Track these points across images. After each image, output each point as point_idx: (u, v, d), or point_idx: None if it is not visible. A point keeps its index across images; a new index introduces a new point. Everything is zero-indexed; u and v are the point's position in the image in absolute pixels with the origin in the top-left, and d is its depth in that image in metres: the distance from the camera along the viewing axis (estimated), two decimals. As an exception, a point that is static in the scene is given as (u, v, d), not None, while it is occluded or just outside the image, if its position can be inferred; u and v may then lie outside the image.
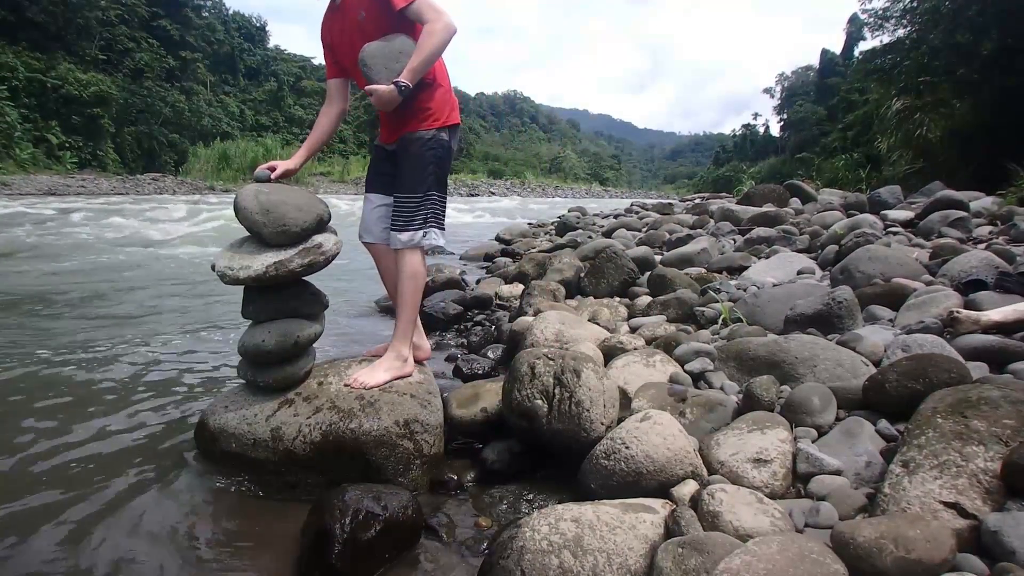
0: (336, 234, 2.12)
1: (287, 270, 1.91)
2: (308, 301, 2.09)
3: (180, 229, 10.10)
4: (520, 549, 1.33)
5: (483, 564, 1.42)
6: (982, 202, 5.41)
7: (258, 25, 56.87)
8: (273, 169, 2.15)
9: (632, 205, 13.06)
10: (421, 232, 2.18)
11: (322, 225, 2.06)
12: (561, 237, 7.25)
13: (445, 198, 2.28)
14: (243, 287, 2.00)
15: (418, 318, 2.40)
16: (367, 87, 2.06)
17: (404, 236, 2.17)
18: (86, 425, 2.31)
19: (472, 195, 37.91)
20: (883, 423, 1.68)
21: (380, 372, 2.11)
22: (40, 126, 29.17)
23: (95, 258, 6.88)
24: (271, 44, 58.32)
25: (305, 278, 2.07)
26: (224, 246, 2.04)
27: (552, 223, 10.12)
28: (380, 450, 1.88)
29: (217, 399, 2.09)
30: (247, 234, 2.02)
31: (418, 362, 2.33)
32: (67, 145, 30.39)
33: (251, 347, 1.96)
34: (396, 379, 2.13)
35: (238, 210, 1.94)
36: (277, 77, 51.91)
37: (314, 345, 2.13)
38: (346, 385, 2.06)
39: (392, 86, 2.03)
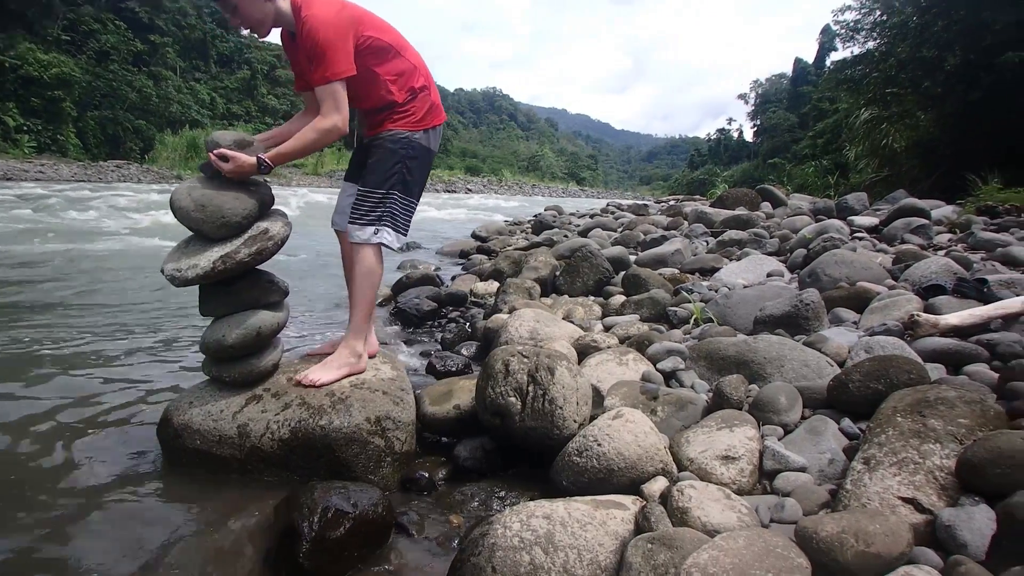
0: (285, 216, 2.05)
1: (235, 262, 1.85)
2: (266, 290, 2.02)
3: (148, 219, 9.82)
4: (491, 546, 1.33)
5: (454, 561, 1.41)
6: (943, 210, 5.61)
7: (231, 11, 55.57)
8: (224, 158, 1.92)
9: (608, 205, 13.16)
10: (372, 229, 2.13)
11: (265, 209, 1.99)
12: (537, 235, 7.27)
13: (411, 200, 2.21)
14: (198, 286, 1.94)
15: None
16: (226, 152, 1.88)
17: (357, 231, 2.13)
18: (47, 420, 2.24)
19: (449, 191, 37.73)
20: (846, 422, 1.73)
21: (333, 369, 2.06)
22: (-4, 108, 28.06)
23: (59, 247, 6.65)
24: (245, 31, 57.09)
25: (262, 266, 2.00)
26: (171, 248, 1.96)
27: (528, 221, 10.15)
28: (351, 447, 1.85)
29: (182, 394, 2.04)
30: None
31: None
32: (25, 128, 29.26)
33: (212, 342, 1.91)
34: (349, 376, 2.08)
35: (175, 211, 1.87)
36: (250, 65, 50.72)
37: (281, 338, 2.09)
38: (297, 383, 2.00)
39: (255, 160, 1.91)
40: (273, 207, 2.07)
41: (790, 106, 52.20)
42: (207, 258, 1.84)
